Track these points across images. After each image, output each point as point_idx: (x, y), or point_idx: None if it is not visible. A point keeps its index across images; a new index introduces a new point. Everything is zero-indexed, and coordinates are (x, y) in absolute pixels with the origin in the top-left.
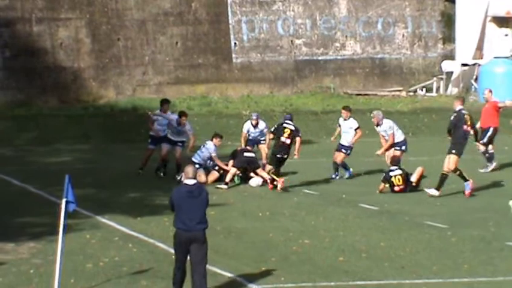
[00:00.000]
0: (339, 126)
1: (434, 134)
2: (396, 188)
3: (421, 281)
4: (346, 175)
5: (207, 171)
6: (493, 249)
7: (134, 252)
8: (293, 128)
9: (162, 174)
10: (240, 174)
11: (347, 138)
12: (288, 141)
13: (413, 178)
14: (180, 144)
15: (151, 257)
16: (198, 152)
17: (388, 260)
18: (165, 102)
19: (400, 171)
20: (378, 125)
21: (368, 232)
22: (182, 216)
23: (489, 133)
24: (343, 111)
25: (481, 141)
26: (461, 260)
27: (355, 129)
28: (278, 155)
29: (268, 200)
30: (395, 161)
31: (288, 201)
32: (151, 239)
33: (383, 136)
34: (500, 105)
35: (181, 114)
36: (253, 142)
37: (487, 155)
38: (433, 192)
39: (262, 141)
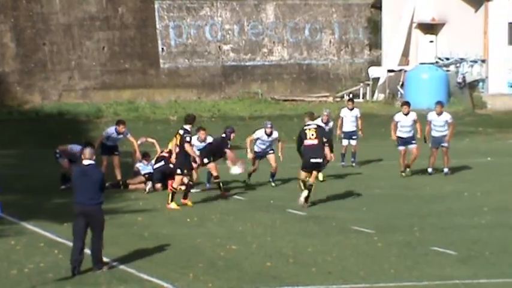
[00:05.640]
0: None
1: (361, 139)
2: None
3: (348, 286)
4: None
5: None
6: (418, 254)
7: (60, 259)
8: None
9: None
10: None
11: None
12: None
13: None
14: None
15: None
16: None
17: (315, 265)
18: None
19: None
20: (326, 122)
21: (295, 237)
22: (78, 192)
23: None
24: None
25: None
26: (388, 265)
27: None
28: None
29: (195, 205)
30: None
31: (215, 207)
32: None
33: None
34: None
35: (87, 144)
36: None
37: None
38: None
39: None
